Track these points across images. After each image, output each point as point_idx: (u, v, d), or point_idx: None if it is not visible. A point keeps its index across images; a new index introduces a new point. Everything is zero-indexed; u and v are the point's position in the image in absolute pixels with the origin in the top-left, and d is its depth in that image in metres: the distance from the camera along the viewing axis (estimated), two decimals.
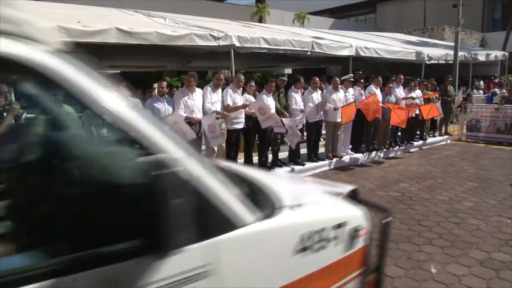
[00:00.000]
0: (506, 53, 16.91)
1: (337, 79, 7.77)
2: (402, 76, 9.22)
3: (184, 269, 1.18)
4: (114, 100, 1.14)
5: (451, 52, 13.05)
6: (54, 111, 1.54)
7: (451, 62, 12.93)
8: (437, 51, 13.08)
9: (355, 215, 1.81)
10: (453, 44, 13.67)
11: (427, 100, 9.59)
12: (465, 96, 12.05)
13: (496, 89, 12.47)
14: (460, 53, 13.08)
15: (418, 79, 10.36)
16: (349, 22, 31.52)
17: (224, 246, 1.28)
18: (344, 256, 1.71)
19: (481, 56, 15.27)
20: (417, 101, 9.16)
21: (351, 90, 8.03)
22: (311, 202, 1.77)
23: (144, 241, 1.09)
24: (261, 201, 1.55)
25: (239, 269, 1.34)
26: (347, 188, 2.07)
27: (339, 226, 1.69)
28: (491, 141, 10.28)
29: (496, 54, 16.31)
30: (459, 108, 11.55)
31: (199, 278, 1.21)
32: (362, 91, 8.28)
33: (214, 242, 1.24)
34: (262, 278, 1.41)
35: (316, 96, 7.38)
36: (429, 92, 9.90)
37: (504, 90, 12.01)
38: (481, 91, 14.40)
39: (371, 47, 10.20)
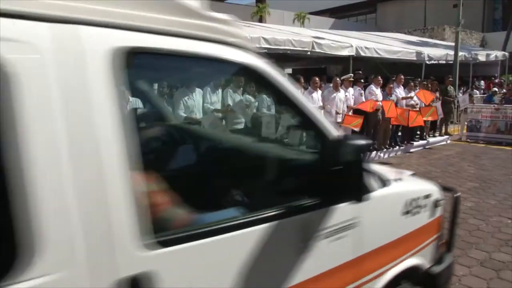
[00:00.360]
0: (506, 53, 16.92)
1: (337, 79, 7.77)
2: (402, 76, 9.21)
3: (344, 219, 1.63)
4: (299, 93, 1.58)
5: (452, 52, 13.06)
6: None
7: (451, 62, 12.94)
8: (437, 51, 13.08)
9: (435, 189, 2.25)
10: (453, 44, 13.68)
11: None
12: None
13: (495, 88, 12.45)
14: (460, 53, 13.09)
15: (419, 79, 10.36)
16: (349, 22, 31.54)
17: (364, 205, 1.65)
18: (428, 222, 2.16)
19: (481, 56, 15.28)
20: (415, 99, 9.15)
21: (351, 90, 8.03)
22: (405, 178, 2.19)
23: (336, 195, 1.55)
24: (373, 174, 1.87)
25: (372, 223, 1.77)
26: (408, 172, 2.44)
27: (426, 196, 2.13)
28: (491, 141, 10.27)
29: (496, 54, 16.32)
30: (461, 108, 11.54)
31: (350, 228, 1.66)
32: (362, 91, 8.28)
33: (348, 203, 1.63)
34: (384, 232, 1.88)
35: (316, 96, 7.38)
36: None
37: (504, 90, 11.98)
38: (477, 91, 14.39)
39: (371, 47, 10.20)
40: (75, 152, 1.01)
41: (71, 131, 1.01)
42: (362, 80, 8.77)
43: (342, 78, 7.97)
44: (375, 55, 10.18)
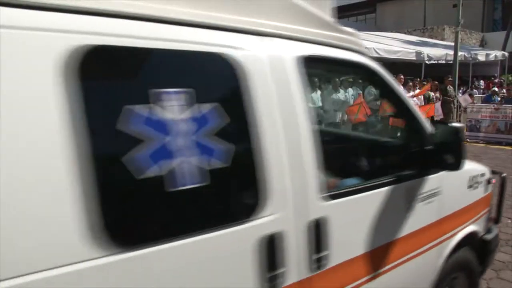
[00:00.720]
0: (506, 53, 16.94)
1: (337, 79, 7.77)
2: (402, 76, 9.22)
3: (433, 187, 2.10)
4: (401, 89, 2.13)
5: (451, 52, 13.06)
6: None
7: (451, 62, 12.95)
8: (437, 51, 13.09)
9: (487, 170, 2.70)
10: (453, 44, 13.69)
11: (427, 101, 9.58)
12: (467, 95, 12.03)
13: (495, 88, 12.46)
14: (460, 53, 13.10)
15: (418, 79, 10.37)
16: (349, 22, 31.51)
17: (444, 177, 2.15)
18: (483, 196, 2.62)
19: (481, 56, 15.29)
20: (415, 99, 9.16)
21: (350, 90, 8.02)
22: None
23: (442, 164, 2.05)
24: None
25: (449, 192, 2.22)
26: None
27: (482, 175, 2.59)
28: (490, 141, 10.27)
29: (496, 54, 16.34)
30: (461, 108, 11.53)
31: (436, 195, 2.12)
32: (361, 92, 8.28)
33: (441, 174, 2.13)
34: (456, 200, 2.33)
35: (316, 96, 7.37)
36: (430, 92, 9.89)
37: (504, 90, 11.98)
38: (476, 91, 14.39)
39: (371, 47, 10.20)
40: (287, 133, 1.44)
41: (283, 116, 1.44)
42: (361, 80, 8.76)
43: (341, 78, 7.96)
44: (375, 55, 10.18)
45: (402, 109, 2.12)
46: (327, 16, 1.76)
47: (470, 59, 14.50)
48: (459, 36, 12.88)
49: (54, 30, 1.00)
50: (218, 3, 1.35)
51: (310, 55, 1.61)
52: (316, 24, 1.67)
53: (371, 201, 1.80)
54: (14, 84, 0.92)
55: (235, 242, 1.31)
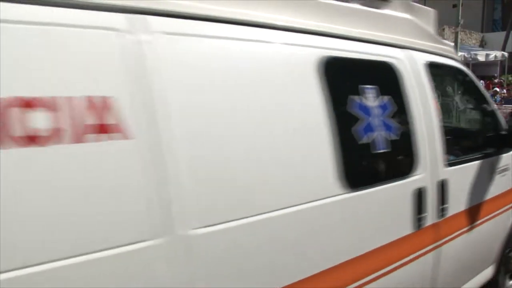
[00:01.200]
0: (506, 53, 16.89)
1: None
2: None
3: (505, 163, 2.84)
4: (484, 88, 3.17)
5: None
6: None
7: None
8: None
9: None
10: (452, 44, 13.65)
11: None
12: None
13: (497, 88, 12.41)
14: (459, 53, 13.05)
15: None
16: None
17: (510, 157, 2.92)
18: None
19: (481, 56, 15.26)
20: None
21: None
22: None
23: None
24: None
25: None
26: None
27: None
28: None
29: (496, 54, 16.29)
30: None
31: (507, 170, 2.87)
32: None
33: (510, 153, 2.89)
34: None
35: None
36: None
37: (504, 91, 11.93)
38: None
39: None
40: (425, 118, 2.11)
41: (422, 106, 2.08)
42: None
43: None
44: None
45: (485, 104, 2.93)
46: (434, 31, 2.47)
47: (470, 59, 14.45)
48: (459, 36, 12.87)
49: (311, 46, 1.64)
50: (379, 27, 2.02)
51: (431, 62, 2.27)
52: (430, 39, 2.37)
53: (471, 170, 2.49)
54: (291, 79, 1.53)
55: (403, 190, 1.96)
